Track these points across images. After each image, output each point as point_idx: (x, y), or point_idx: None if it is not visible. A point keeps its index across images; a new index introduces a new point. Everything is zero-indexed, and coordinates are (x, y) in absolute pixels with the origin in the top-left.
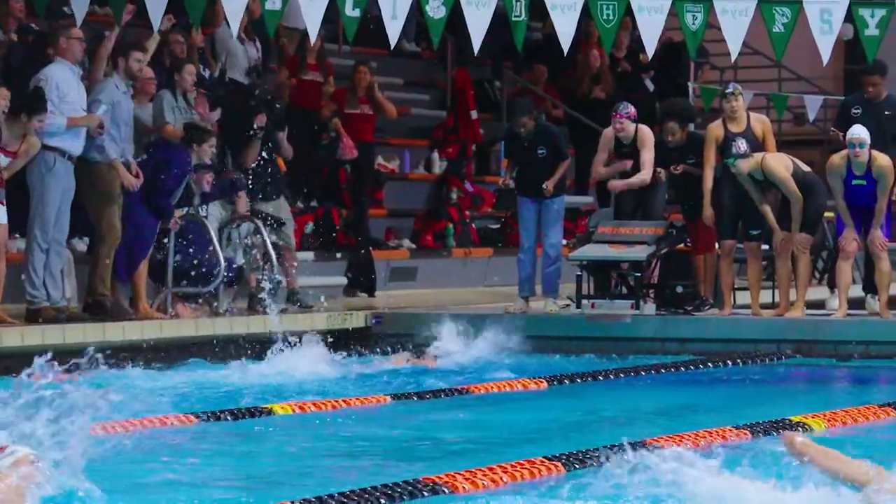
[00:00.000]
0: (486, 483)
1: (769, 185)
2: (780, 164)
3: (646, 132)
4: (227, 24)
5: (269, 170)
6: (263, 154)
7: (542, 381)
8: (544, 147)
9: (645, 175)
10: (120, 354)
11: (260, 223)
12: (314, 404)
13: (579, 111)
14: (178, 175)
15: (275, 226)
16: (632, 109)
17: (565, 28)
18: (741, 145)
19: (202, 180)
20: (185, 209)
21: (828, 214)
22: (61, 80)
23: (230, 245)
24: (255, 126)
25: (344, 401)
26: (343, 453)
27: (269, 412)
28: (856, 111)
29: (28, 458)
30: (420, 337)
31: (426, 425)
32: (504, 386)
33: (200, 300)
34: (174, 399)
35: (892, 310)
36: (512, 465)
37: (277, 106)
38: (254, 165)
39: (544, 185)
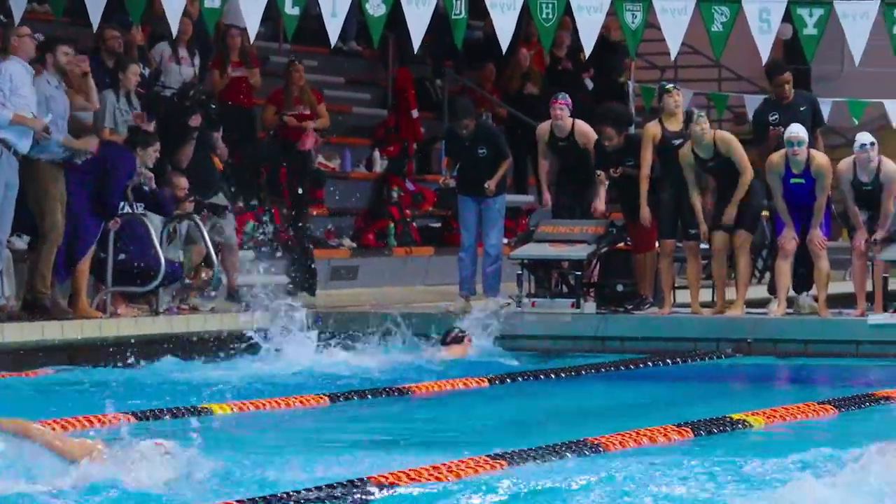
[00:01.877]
0: (430, 481)
1: (716, 167)
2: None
3: (584, 129)
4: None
5: (206, 169)
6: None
7: (483, 380)
8: (485, 147)
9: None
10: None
11: (200, 223)
12: (253, 403)
13: (514, 109)
14: (126, 175)
15: (219, 214)
16: (569, 100)
17: (505, 27)
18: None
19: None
20: (124, 205)
21: (764, 213)
22: (15, 73)
23: (173, 242)
24: (189, 126)
25: (284, 400)
26: (285, 453)
27: (209, 411)
28: (773, 118)
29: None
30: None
31: (367, 425)
32: (445, 385)
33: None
34: (113, 397)
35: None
36: (456, 464)
37: (213, 106)
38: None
39: (486, 185)
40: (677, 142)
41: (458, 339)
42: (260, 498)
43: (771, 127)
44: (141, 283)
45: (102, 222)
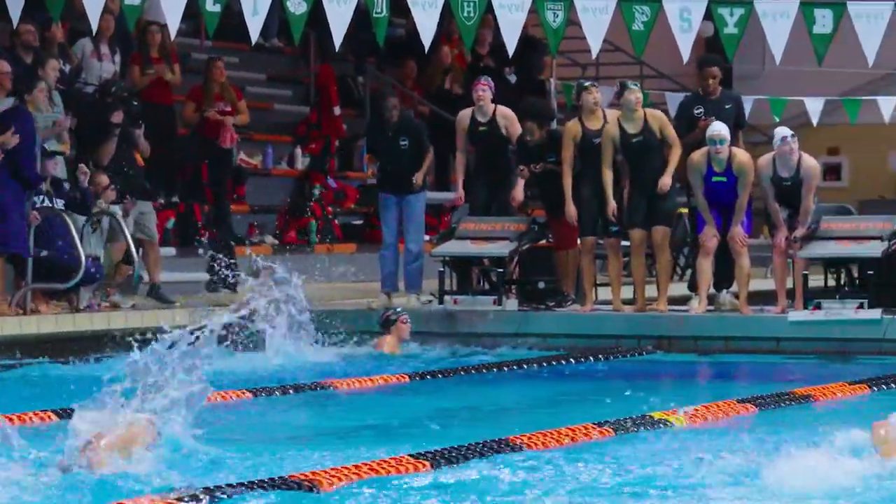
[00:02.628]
0: (352, 481)
1: (641, 142)
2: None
3: (507, 112)
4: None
5: (128, 166)
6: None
7: (404, 377)
8: (407, 138)
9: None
10: None
11: (121, 219)
12: None
13: (437, 106)
14: (29, 132)
15: (142, 197)
16: (492, 83)
17: (427, 24)
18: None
19: (47, 166)
20: (42, 198)
21: (683, 210)
22: None
23: (95, 231)
24: (111, 123)
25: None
26: (203, 449)
27: None
28: (698, 111)
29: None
30: None
31: (288, 421)
32: (366, 381)
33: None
34: (33, 395)
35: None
36: (378, 463)
37: (134, 103)
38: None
39: (414, 178)
40: (597, 140)
41: (390, 322)
42: (175, 498)
43: (700, 119)
44: (61, 280)
45: (25, 219)
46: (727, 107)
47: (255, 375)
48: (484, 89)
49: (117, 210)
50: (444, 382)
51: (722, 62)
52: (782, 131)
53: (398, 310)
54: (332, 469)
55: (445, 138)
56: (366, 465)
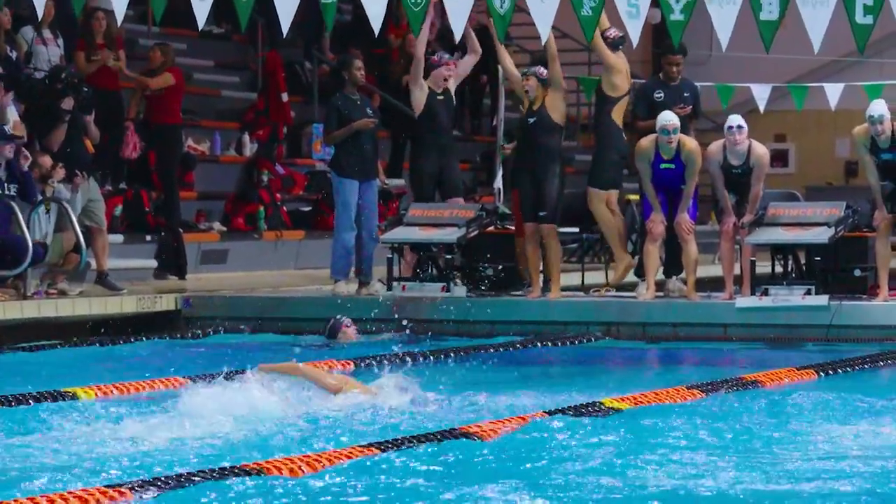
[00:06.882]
0: (304, 469)
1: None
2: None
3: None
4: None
5: (77, 152)
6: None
7: (349, 363)
8: (371, 109)
9: None
10: None
11: (69, 207)
12: (117, 387)
13: (389, 94)
14: None
15: (91, 174)
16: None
17: (375, 11)
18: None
19: (3, 150)
20: None
21: (633, 197)
22: None
23: (48, 214)
24: (62, 109)
25: (147, 383)
26: (143, 439)
27: (73, 396)
28: (658, 96)
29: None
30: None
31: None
32: None
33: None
34: None
35: (698, 292)
36: (328, 454)
37: (85, 89)
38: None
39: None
40: (532, 119)
41: (336, 330)
42: (154, 479)
43: (677, 106)
44: (8, 267)
45: None
46: (686, 94)
47: (194, 364)
48: (450, 69)
49: (62, 190)
50: (391, 370)
51: (685, 50)
52: (735, 119)
53: (338, 316)
54: (286, 458)
55: (399, 125)
56: (323, 454)
